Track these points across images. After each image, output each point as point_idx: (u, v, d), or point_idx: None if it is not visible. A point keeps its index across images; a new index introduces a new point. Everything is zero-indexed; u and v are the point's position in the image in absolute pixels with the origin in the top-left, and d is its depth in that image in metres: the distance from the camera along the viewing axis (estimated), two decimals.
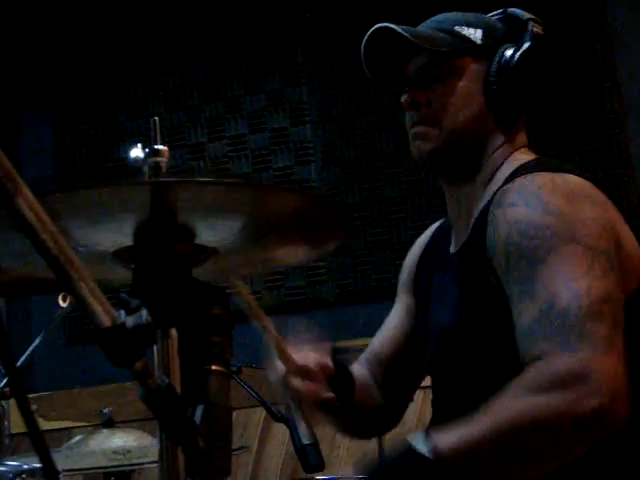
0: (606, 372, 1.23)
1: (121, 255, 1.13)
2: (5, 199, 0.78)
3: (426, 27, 1.60)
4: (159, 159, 1.18)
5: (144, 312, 0.88)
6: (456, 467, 1.25)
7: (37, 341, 2.49)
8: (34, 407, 2.76)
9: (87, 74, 3.99)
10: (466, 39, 1.56)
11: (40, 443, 0.76)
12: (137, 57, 3.95)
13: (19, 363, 2.50)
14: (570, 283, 1.31)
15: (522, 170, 1.50)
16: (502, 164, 1.55)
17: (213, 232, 1.14)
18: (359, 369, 1.75)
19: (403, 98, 1.59)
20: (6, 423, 2.63)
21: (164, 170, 1.20)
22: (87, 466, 2.29)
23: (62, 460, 2.26)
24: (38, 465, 2.24)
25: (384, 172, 3.63)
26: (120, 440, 2.35)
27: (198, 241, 1.13)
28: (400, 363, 1.75)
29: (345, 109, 3.71)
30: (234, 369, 2.31)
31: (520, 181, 1.45)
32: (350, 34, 3.89)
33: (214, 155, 3.84)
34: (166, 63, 3.93)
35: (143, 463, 2.26)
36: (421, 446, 1.25)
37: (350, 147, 3.69)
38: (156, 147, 1.19)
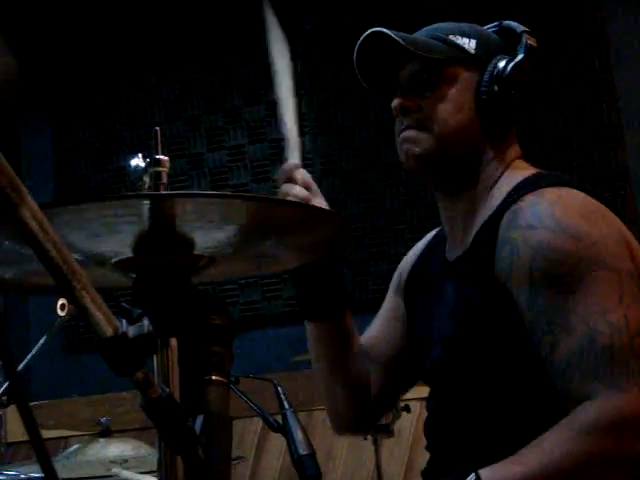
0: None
1: (121, 265, 1.13)
2: (9, 208, 0.78)
3: (420, 35, 1.61)
4: (160, 169, 1.19)
5: (146, 322, 0.89)
6: None
7: (35, 350, 2.49)
8: None
9: (87, 84, 4.00)
10: (460, 48, 1.56)
11: (41, 450, 0.76)
12: (137, 67, 3.96)
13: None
14: (607, 315, 1.35)
15: (527, 186, 1.50)
16: (500, 176, 1.56)
17: (211, 241, 1.15)
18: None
19: (393, 103, 1.59)
20: (3, 432, 2.63)
21: (165, 180, 1.20)
22: (84, 475, 2.29)
23: (59, 469, 2.26)
24: (35, 475, 2.24)
25: (383, 183, 3.64)
26: (117, 449, 2.34)
27: (196, 251, 1.14)
28: (391, 363, 1.75)
29: (344, 120, 3.72)
30: (232, 379, 2.31)
31: (530, 200, 1.46)
32: (349, 46, 3.90)
33: (213, 165, 3.85)
34: (166, 73, 3.94)
35: (140, 473, 2.26)
36: None
37: (349, 158, 3.70)
38: (157, 157, 1.20)
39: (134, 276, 1.11)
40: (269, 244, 1.20)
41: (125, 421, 3.18)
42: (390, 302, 1.80)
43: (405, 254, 1.84)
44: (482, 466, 1.36)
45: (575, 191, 1.48)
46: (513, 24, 1.61)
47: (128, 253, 1.09)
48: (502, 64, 1.54)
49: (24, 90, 4.00)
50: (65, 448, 2.67)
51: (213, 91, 3.88)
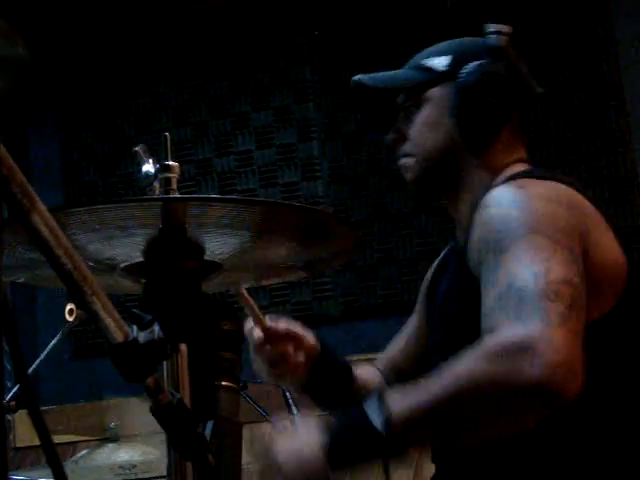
0: (552, 345, 1.19)
1: (132, 271, 1.14)
2: (20, 215, 0.79)
3: (405, 67, 1.66)
4: (169, 175, 1.19)
5: (156, 327, 0.89)
6: (407, 435, 1.25)
7: (43, 355, 2.49)
8: None
9: (95, 90, 4.01)
10: (429, 70, 1.60)
11: (52, 455, 0.76)
12: (145, 73, 3.97)
13: None
14: (530, 266, 1.29)
15: (508, 179, 1.51)
16: (495, 179, 1.55)
17: (221, 247, 1.15)
18: (370, 369, 1.77)
19: (386, 140, 1.65)
20: (11, 437, 2.63)
21: (174, 186, 1.21)
22: None
23: (68, 474, 2.25)
24: (44, 479, 2.24)
25: (390, 188, 3.63)
26: (126, 455, 2.35)
27: (207, 257, 1.14)
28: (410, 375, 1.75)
29: (352, 125, 3.72)
30: (240, 384, 2.31)
31: (498, 188, 1.47)
32: (358, 51, 3.91)
33: (221, 171, 3.86)
34: (174, 79, 3.94)
35: (149, 478, 2.26)
36: (375, 416, 1.25)
37: (357, 163, 3.70)
38: (167, 163, 1.20)
39: (144, 282, 1.11)
40: (280, 252, 1.21)
41: (134, 426, 3.18)
42: (415, 319, 1.81)
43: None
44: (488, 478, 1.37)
45: (553, 183, 1.46)
46: (486, 27, 1.59)
47: (139, 258, 1.09)
48: (465, 72, 1.55)
49: (32, 97, 4.01)
50: (74, 453, 2.67)
51: (221, 97, 3.88)
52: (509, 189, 1.44)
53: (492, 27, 1.57)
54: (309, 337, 1.66)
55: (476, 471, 1.48)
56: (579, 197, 1.45)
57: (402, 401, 1.26)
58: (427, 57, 1.62)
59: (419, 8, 3.64)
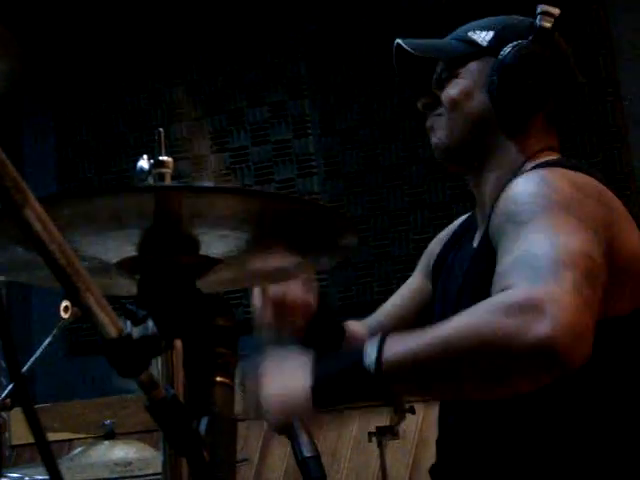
0: (564, 308, 1.15)
1: (125, 266, 1.13)
2: (13, 210, 0.78)
3: (449, 36, 1.66)
4: (164, 170, 1.18)
5: (150, 323, 0.88)
6: (398, 377, 1.22)
7: (38, 352, 2.48)
8: None
9: (90, 86, 4.00)
10: (473, 43, 1.60)
11: (47, 453, 0.76)
12: (140, 69, 3.96)
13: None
14: (550, 237, 1.27)
15: (539, 166, 1.50)
16: (524, 164, 1.54)
17: (216, 243, 1.15)
18: (360, 326, 1.76)
19: (418, 103, 1.66)
20: (7, 434, 2.63)
21: (168, 181, 1.20)
22: (88, 478, 2.28)
23: (63, 472, 2.25)
24: (40, 477, 2.23)
25: (386, 185, 3.63)
26: (121, 452, 2.34)
27: (202, 252, 1.13)
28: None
29: (348, 121, 3.71)
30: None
31: (526, 173, 1.46)
32: (353, 47, 3.91)
33: (216, 167, 3.85)
34: (169, 75, 3.94)
35: (144, 475, 2.25)
36: (368, 356, 1.22)
37: (352, 159, 3.69)
38: (160, 158, 1.19)
39: (138, 277, 1.11)
40: (277, 251, 1.20)
41: (129, 424, 3.18)
42: (414, 282, 1.80)
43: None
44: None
45: (585, 175, 1.44)
46: (539, 7, 1.56)
47: (133, 252, 1.08)
48: (507, 50, 1.54)
49: (27, 92, 4.00)
50: (69, 451, 2.66)
51: (216, 93, 3.87)
52: (539, 172, 1.43)
53: (541, 8, 1.55)
54: (309, 299, 1.66)
55: (477, 462, 1.47)
56: (609, 193, 1.43)
57: (399, 344, 1.22)
58: (471, 30, 1.62)
59: (415, 3, 3.63)
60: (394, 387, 1.22)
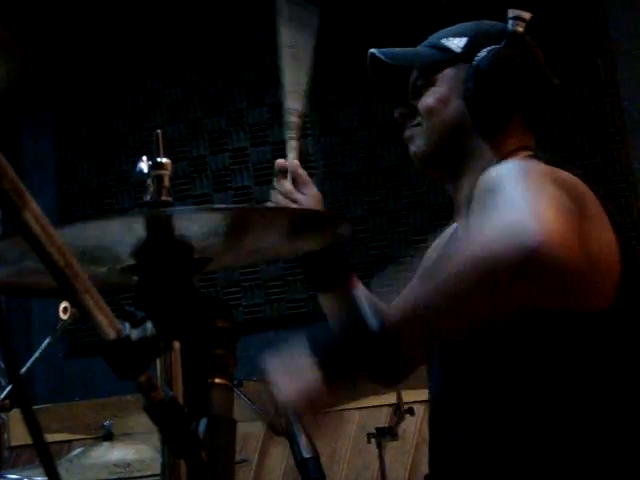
0: (545, 220, 1.16)
1: (123, 269, 1.13)
2: (12, 212, 0.78)
3: (422, 44, 1.67)
4: (162, 172, 1.18)
5: (149, 325, 0.88)
6: (403, 328, 1.22)
7: (37, 353, 2.48)
8: None
9: (89, 86, 4.00)
10: (446, 50, 1.61)
11: (45, 454, 0.76)
12: (139, 70, 3.96)
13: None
14: (524, 195, 1.26)
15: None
16: (499, 162, 1.54)
17: (208, 241, 1.15)
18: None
19: (395, 113, 1.67)
20: (6, 436, 2.63)
21: (167, 183, 1.20)
22: (87, 479, 2.29)
23: (62, 473, 2.24)
24: (39, 478, 2.23)
25: (386, 186, 3.63)
26: (120, 453, 2.34)
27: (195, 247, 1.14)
28: None
29: (347, 122, 3.71)
30: (235, 382, 2.30)
31: (502, 162, 1.47)
32: (352, 48, 3.91)
33: (216, 168, 3.85)
34: (168, 76, 3.94)
35: (143, 477, 2.25)
36: (369, 316, 1.23)
37: (351, 160, 3.70)
38: (159, 160, 1.19)
39: (136, 279, 1.11)
40: (267, 243, 1.21)
41: (128, 425, 3.17)
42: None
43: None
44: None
45: (558, 169, 1.42)
46: (510, 12, 1.57)
47: (129, 261, 1.09)
48: (481, 56, 1.55)
49: (26, 93, 4.00)
50: (68, 452, 2.66)
51: (216, 94, 3.87)
52: (511, 161, 1.45)
53: (512, 12, 1.56)
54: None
55: (472, 470, 1.47)
56: (582, 185, 1.41)
57: (401, 304, 1.26)
58: (444, 37, 1.63)
59: (414, 3, 3.64)
60: (400, 338, 1.22)
